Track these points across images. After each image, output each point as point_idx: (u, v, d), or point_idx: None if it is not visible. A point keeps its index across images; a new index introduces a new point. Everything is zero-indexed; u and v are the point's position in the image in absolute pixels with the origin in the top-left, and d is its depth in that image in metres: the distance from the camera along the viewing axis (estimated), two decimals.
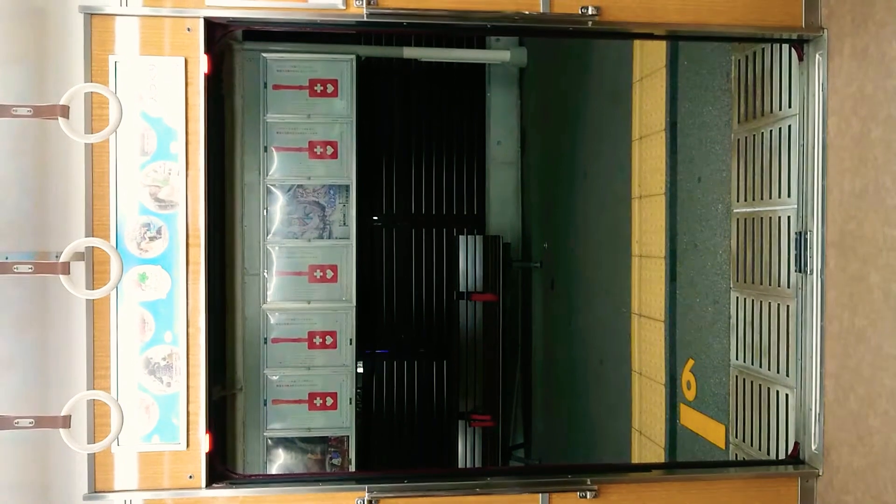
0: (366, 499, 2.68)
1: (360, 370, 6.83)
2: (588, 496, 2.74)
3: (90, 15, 2.54)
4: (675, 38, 3.84)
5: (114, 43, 2.57)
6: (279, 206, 5.74)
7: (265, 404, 5.72)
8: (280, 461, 5.81)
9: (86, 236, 2.53)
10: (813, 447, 2.84)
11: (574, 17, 2.72)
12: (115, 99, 2.29)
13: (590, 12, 2.71)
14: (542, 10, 2.72)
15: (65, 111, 2.19)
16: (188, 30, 2.60)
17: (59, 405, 2.32)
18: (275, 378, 5.74)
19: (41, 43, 2.58)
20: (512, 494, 2.76)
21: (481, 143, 7.56)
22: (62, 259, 2.25)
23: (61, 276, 2.25)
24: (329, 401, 5.80)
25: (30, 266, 2.22)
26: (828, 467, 2.78)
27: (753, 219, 3.33)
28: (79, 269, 2.50)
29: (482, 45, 7.43)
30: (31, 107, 2.16)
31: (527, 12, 2.71)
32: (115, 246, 2.51)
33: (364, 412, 7.02)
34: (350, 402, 5.83)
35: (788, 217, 3.02)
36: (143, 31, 2.59)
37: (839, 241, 2.72)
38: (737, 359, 3.49)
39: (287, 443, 5.82)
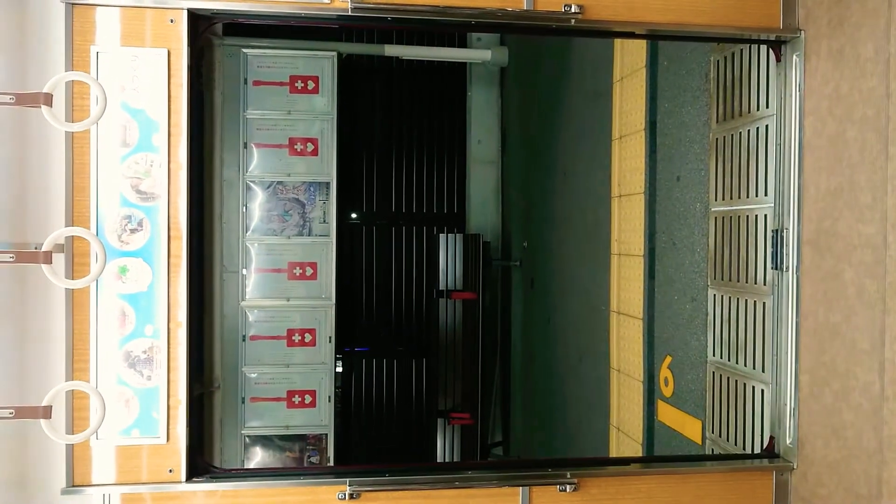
0: (347, 492, 2.68)
1: (340, 368, 6.82)
2: (568, 489, 2.77)
3: (71, 5, 2.52)
4: (656, 38, 3.88)
5: (95, 33, 2.55)
6: (259, 202, 5.71)
7: (243, 402, 5.69)
8: (258, 459, 5.78)
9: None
10: (788, 441, 2.89)
11: (557, 15, 2.74)
12: (99, 87, 2.28)
13: (573, 10, 2.73)
14: (525, 7, 2.74)
15: (48, 99, 2.18)
16: (171, 21, 2.59)
17: (37, 398, 2.30)
18: (253, 376, 5.71)
19: (21, 33, 2.55)
20: (492, 488, 2.77)
21: (462, 141, 7.58)
22: (44, 248, 2.23)
23: (43, 266, 2.23)
24: (308, 399, 5.78)
25: (11, 255, 2.20)
26: (802, 461, 2.83)
27: (731, 217, 3.38)
28: (58, 261, 2.47)
29: (463, 44, 7.46)
30: (14, 94, 2.14)
31: (510, 9, 2.73)
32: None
33: (343, 410, 7.01)
34: (329, 400, 5.82)
35: (765, 215, 3.07)
36: (124, 22, 2.58)
37: (815, 239, 2.77)
38: (714, 355, 3.54)
39: (265, 441, 5.80)
